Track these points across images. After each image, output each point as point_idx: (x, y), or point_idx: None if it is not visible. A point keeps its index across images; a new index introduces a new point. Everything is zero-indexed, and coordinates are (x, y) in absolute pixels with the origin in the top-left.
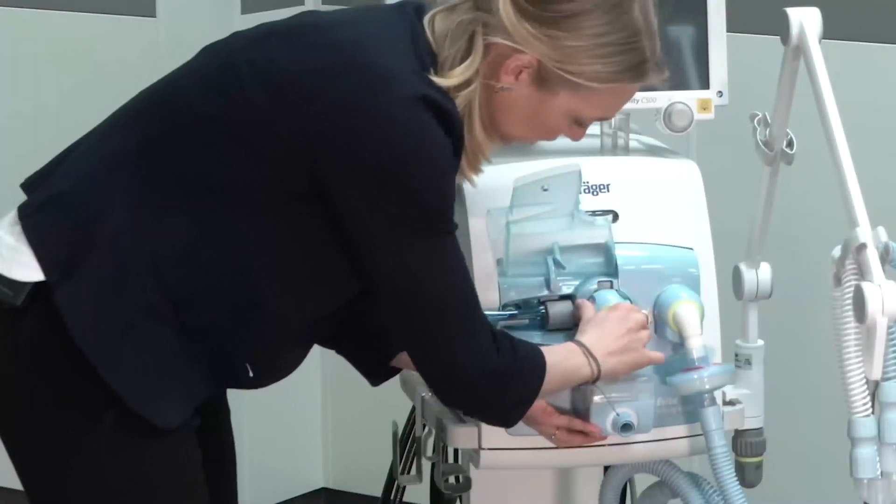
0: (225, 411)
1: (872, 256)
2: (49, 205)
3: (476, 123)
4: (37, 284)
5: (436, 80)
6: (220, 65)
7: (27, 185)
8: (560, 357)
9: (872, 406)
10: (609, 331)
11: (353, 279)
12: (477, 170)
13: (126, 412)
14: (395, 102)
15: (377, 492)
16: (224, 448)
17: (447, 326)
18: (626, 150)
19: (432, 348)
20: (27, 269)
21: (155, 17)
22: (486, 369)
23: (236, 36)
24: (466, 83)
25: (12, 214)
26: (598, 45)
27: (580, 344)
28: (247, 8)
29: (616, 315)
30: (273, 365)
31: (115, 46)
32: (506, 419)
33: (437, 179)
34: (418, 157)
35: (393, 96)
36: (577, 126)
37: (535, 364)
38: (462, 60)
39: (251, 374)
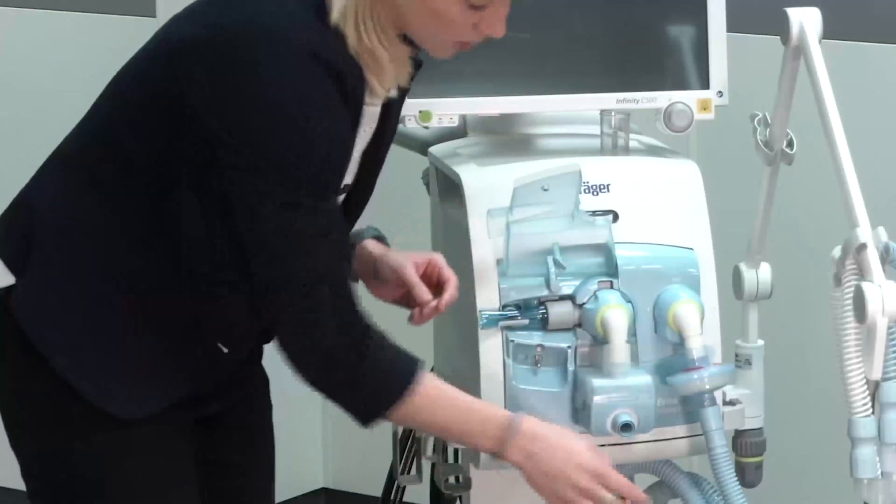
0: (262, 406)
1: (873, 256)
2: (11, 207)
3: (374, 38)
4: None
5: (333, 17)
6: (144, 48)
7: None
8: (466, 402)
9: (872, 406)
10: (560, 461)
11: None
12: (382, 79)
13: (93, 410)
14: (264, 59)
15: (377, 492)
16: (259, 444)
17: (300, 307)
18: (626, 150)
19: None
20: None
21: (155, 17)
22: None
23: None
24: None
25: None
26: None
27: (511, 423)
28: None
29: (578, 459)
30: (244, 334)
31: (115, 46)
32: (359, 418)
33: (306, 140)
34: (288, 122)
35: (267, 54)
36: (476, 10)
37: (393, 374)
38: None
39: (226, 351)
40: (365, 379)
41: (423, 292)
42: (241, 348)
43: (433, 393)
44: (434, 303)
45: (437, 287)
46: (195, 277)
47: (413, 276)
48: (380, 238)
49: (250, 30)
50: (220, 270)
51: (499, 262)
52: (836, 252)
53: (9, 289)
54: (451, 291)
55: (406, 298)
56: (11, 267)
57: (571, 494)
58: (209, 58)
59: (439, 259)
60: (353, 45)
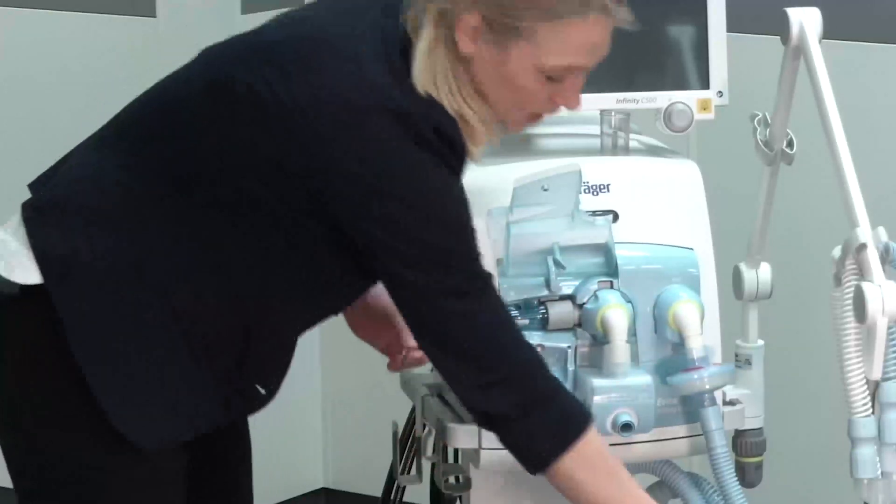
0: None
1: (873, 256)
2: (50, 209)
3: (461, 101)
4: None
5: (419, 88)
6: (217, 80)
7: (34, 185)
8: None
9: (873, 406)
10: None
11: (355, 288)
12: (480, 143)
13: (106, 427)
14: (388, 142)
15: (377, 492)
16: (240, 445)
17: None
18: (626, 150)
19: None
20: (28, 273)
21: (155, 17)
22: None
23: (234, 45)
24: (432, 66)
25: (17, 217)
26: None
27: None
28: (247, 8)
29: None
30: (278, 378)
31: (115, 46)
32: (528, 463)
33: (441, 225)
34: (420, 204)
35: (385, 136)
36: (553, 82)
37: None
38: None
39: (263, 393)
40: (536, 430)
41: (410, 338)
42: (276, 390)
43: (596, 457)
44: (419, 354)
45: None
46: (261, 324)
47: (401, 320)
48: None
49: (381, 110)
50: (292, 322)
51: (499, 262)
52: (837, 252)
53: (37, 287)
54: None
55: (381, 340)
56: (55, 270)
57: None
58: (336, 144)
59: None
60: (450, 109)
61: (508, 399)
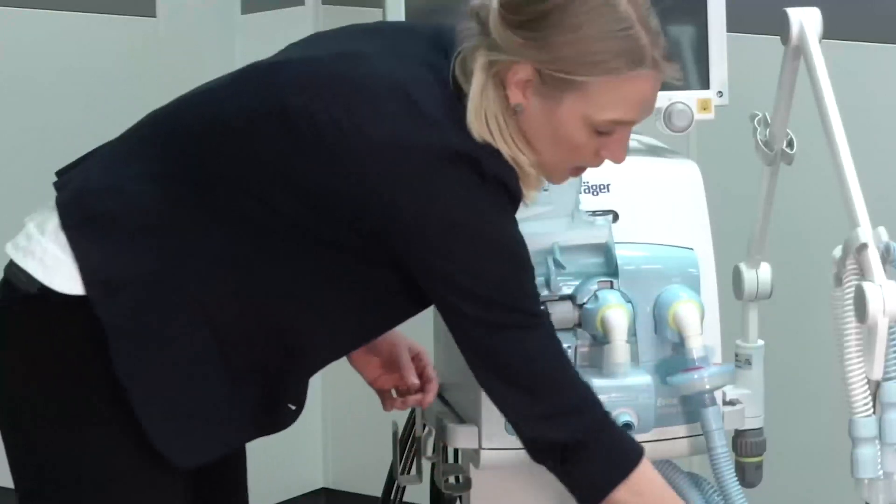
0: None
1: (873, 256)
2: (95, 223)
3: (513, 146)
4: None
5: (474, 134)
6: (271, 105)
7: (62, 180)
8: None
9: (873, 406)
10: None
11: (394, 314)
12: (533, 188)
13: (131, 439)
14: (453, 181)
15: (377, 492)
16: (237, 465)
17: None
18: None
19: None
20: (69, 281)
21: (155, 17)
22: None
23: (289, 70)
24: (483, 113)
25: (55, 222)
26: (581, 36)
27: None
28: (247, 8)
29: None
30: (306, 394)
31: (115, 46)
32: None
33: (499, 245)
34: (483, 232)
35: (452, 176)
36: (601, 136)
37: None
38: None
39: (293, 409)
40: (589, 460)
41: (412, 377)
42: (303, 405)
43: (649, 488)
44: (418, 396)
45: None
46: (302, 348)
47: (407, 359)
48: None
49: (449, 151)
50: (332, 347)
51: None
52: (837, 252)
53: (75, 297)
54: (433, 392)
55: (370, 373)
56: (100, 283)
57: None
58: (401, 184)
59: (426, 356)
60: (505, 155)
61: (566, 430)
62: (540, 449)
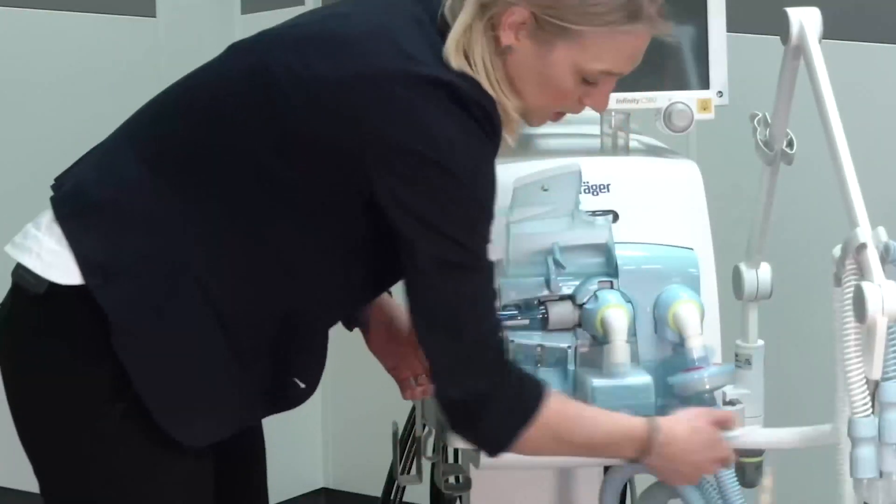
0: None
1: (873, 256)
2: (89, 213)
3: (498, 90)
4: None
5: (452, 65)
6: (253, 68)
7: (59, 180)
8: (603, 420)
9: (873, 406)
10: (692, 451)
11: (377, 271)
12: (512, 131)
13: (144, 426)
14: (436, 109)
15: (377, 492)
16: (255, 444)
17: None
18: (626, 150)
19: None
20: (66, 273)
21: (155, 17)
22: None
23: (266, 36)
24: (464, 48)
25: (49, 215)
26: None
27: (653, 430)
28: (247, 8)
29: (706, 440)
30: (316, 371)
31: (115, 46)
32: (484, 445)
33: (478, 179)
34: (456, 167)
35: (433, 102)
36: (588, 86)
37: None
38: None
39: (303, 386)
40: (497, 410)
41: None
42: (315, 384)
43: (562, 416)
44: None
45: None
46: (296, 316)
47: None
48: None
49: (426, 79)
50: (326, 313)
51: (499, 262)
52: (837, 251)
53: (61, 287)
54: None
55: (390, 360)
56: (98, 271)
57: (696, 479)
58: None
59: None
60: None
61: (478, 382)
62: (452, 404)
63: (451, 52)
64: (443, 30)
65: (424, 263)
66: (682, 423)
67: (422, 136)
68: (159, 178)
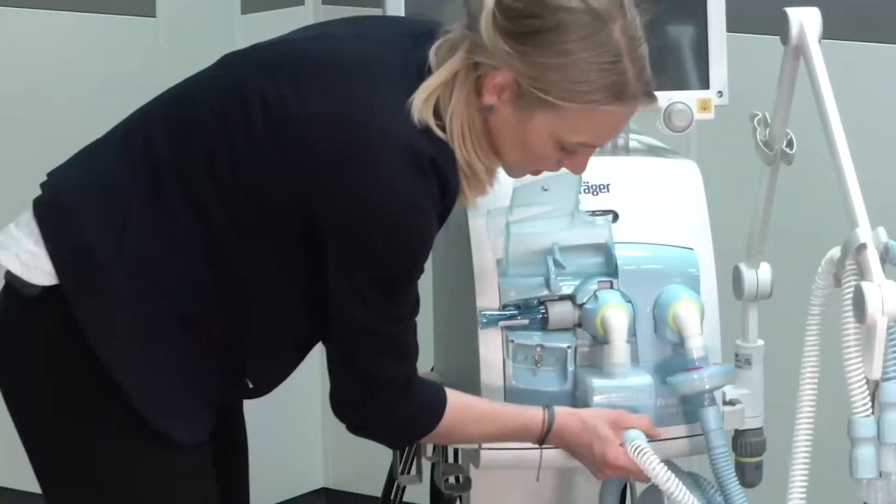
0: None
1: (872, 256)
2: (64, 212)
3: (466, 141)
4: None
5: (415, 117)
6: (232, 90)
7: (45, 184)
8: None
9: (872, 406)
10: (583, 445)
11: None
12: (476, 189)
13: (141, 424)
14: (386, 164)
15: (377, 492)
16: (237, 438)
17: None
18: (626, 150)
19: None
20: (46, 276)
21: (155, 17)
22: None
23: (255, 52)
24: (441, 102)
25: (28, 215)
26: (571, 62)
27: (548, 422)
28: (247, 8)
29: (598, 438)
30: (268, 379)
31: (115, 46)
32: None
33: (414, 244)
34: (401, 224)
35: (384, 157)
36: (566, 153)
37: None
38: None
39: (251, 387)
40: (401, 423)
41: None
42: (261, 390)
43: (460, 421)
44: None
45: None
46: (251, 326)
47: None
48: None
49: (382, 140)
50: (282, 331)
51: (499, 262)
52: (832, 253)
53: (54, 288)
54: None
55: None
56: (73, 274)
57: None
58: (340, 166)
59: None
60: (459, 155)
61: (364, 413)
62: (344, 419)
63: (419, 102)
64: (425, 72)
65: (342, 307)
66: (574, 418)
67: (367, 190)
68: (137, 181)
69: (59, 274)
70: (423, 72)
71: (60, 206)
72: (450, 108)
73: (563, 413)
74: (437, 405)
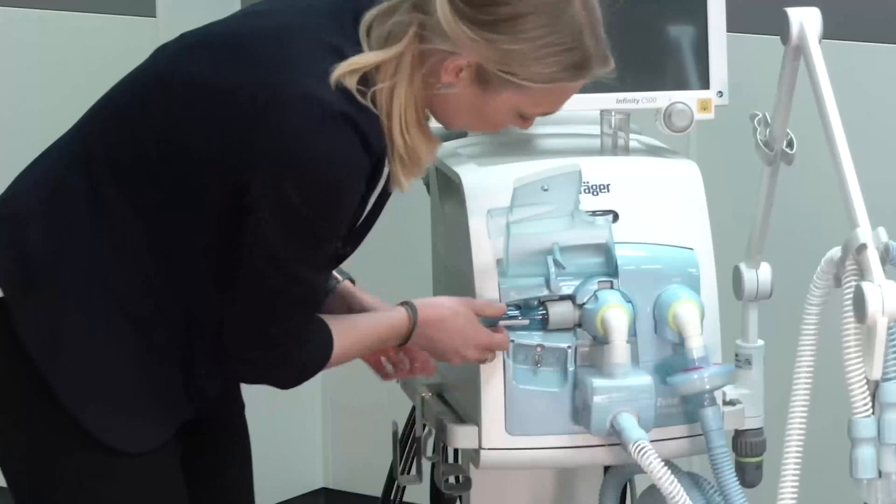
0: (238, 406)
1: (873, 256)
2: (10, 220)
3: (410, 126)
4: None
5: (344, 83)
6: (157, 77)
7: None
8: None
9: (873, 406)
10: (449, 331)
11: None
12: (414, 174)
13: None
14: (304, 120)
15: (377, 492)
16: (239, 442)
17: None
18: (626, 150)
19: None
20: None
21: (155, 16)
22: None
23: (182, 39)
24: (386, 72)
25: None
26: (538, 47)
27: (412, 316)
28: None
29: (462, 323)
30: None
31: (115, 46)
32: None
33: (331, 201)
34: (319, 179)
35: (308, 115)
36: (522, 119)
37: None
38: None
39: (207, 378)
40: (294, 371)
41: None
42: (218, 380)
43: (340, 347)
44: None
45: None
46: (200, 314)
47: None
48: (352, 281)
49: (316, 100)
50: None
51: (499, 262)
52: (831, 253)
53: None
54: (421, 363)
55: None
56: (15, 284)
57: (459, 360)
58: (264, 130)
59: None
60: (393, 139)
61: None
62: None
63: (343, 72)
64: (358, 38)
65: (252, 265)
66: (435, 309)
67: (284, 144)
68: (76, 184)
69: (4, 285)
70: (351, 36)
71: (5, 216)
72: (386, 89)
73: (422, 305)
74: (326, 347)
